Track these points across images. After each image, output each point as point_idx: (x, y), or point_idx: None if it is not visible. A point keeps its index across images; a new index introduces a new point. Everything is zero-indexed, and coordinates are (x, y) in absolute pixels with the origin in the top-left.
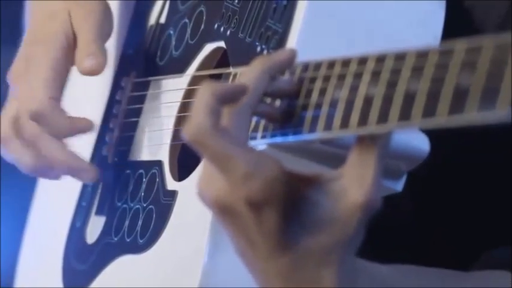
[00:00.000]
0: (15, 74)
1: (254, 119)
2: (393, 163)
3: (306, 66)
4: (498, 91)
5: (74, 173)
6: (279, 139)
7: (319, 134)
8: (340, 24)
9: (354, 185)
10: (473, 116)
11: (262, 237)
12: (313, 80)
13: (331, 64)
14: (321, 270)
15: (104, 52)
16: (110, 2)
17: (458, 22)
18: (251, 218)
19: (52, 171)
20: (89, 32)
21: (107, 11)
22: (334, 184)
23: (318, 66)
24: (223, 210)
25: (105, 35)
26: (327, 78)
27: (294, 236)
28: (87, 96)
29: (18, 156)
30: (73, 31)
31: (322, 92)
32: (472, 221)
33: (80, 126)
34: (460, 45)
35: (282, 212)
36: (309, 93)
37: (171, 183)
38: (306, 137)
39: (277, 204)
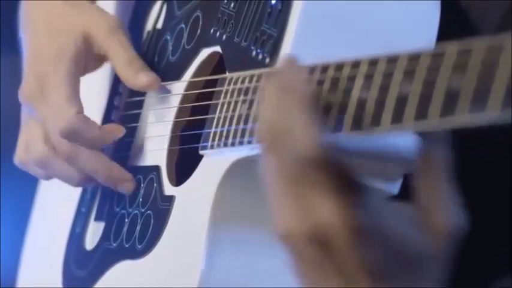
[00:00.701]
0: (28, 95)
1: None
2: (389, 166)
3: None
4: (489, 93)
5: (115, 183)
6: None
7: None
8: (335, 28)
9: (436, 214)
10: (464, 118)
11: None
12: None
13: (325, 68)
14: None
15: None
16: (106, 6)
17: (455, 23)
18: (352, 247)
19: (96, 182)
20: (126, 49)
21: (124, 25)
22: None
23: (312, 70)
24: (316, 242)
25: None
26: (320, 83)
27: (392, 270)
28: (86, 102)
29: (63, 173)
30: (87, 45)
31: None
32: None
33: (112, 134)
34: (451, 48)
35: (384, 243)
36: None
37: (168, 189)
38: None
39: (381, 234)
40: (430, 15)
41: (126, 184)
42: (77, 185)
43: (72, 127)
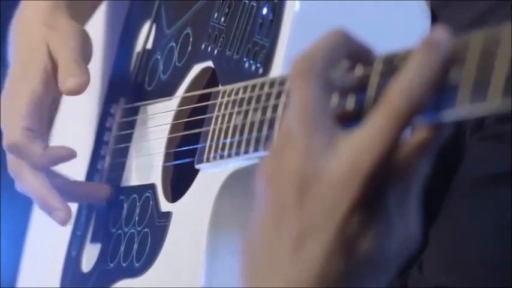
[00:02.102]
0: (2, 111)
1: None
2: None
3: None
4: (489, 82)
5: (48, 210)
6: None
7: None
8: None
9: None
10: (466, 109)
11: (322, 242)
12: None
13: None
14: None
15: (86, 71)
16: (96, 29)
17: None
18: (330, 211)
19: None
20: (69, 54)
21: (84, 35)
22: None
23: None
24: (298, 184)
25: (85, 56)
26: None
27: (361, 239)
28: (77, 125)
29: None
30: (52, 61)
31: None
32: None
33: (59, 156)
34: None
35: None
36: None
37: (164, 205)
38: None
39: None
40: (423, 25)
41: (58, 213)
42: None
43: (15, 142)
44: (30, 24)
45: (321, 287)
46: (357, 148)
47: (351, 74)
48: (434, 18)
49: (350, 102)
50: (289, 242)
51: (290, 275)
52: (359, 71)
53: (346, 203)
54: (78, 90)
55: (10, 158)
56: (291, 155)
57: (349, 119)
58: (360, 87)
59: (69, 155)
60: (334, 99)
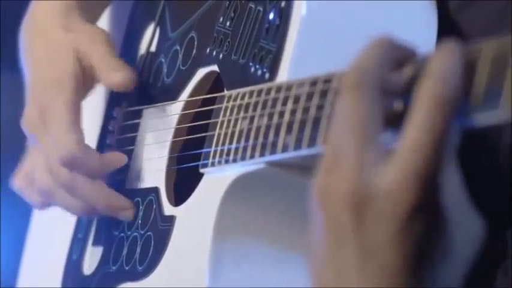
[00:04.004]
0: (30, 124)
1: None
2: None
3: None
4: (501, 91)
5: (115, 211)
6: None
7: None
8: (335, 40)
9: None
10: (476, 117)
11: (396, 252)
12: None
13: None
14: None
15: (127, 67)
16: None
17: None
18: (392, 218)
19: (96, 211)
20: (103, 51)
21: (109, 34)
22: None
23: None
24: (354, 205)
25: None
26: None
27: (429, 260)
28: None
29: (67, 203)
30: (81, 65)
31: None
32: None
33: (112, 162)
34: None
35: (429, 230)
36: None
37: (168, 209)
38: None
39: (429, 218)
40: (429, 28)
41: (126, 212)
42: (80, 214)
43: (72, 156)
44: (47, 30)
45: None
46: (406, 155)
47: (398, 75)
48: (451, 21)
49: (398, 103)
50: (354, 261)
51: None
52: (407, 72)
53: (406, 209)
54: (128, 83)
55: (58, 173)
56: (343, 172)
57: (398, 120)
58: (408, 88)
59: (122, 160)
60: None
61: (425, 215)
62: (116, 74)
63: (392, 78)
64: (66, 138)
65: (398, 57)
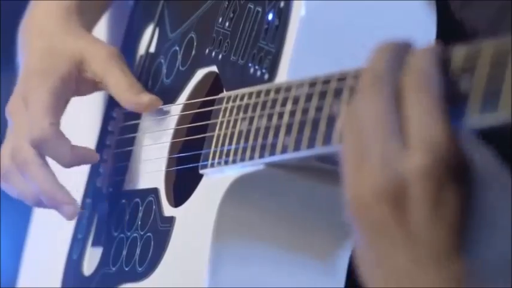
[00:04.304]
0: (12, 109)
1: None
2: None
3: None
4: (500, 92)
5: (55, 204)
6: None
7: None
8: (333, 42)
9: None
10: (476, 119)
11: (439, 233)
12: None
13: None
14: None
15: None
16: (98, 31)
17: (449, 26)
18: (427, 200)
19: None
20: (123, 73)
21: (119, 52)
22: None
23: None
24: (388, 201)
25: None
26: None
27: (475, 234)
28: (79, 128)
29: (21, 190)
30: (78, 69)
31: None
32: None
33: (83, 156)
34: (459, 51)
35: (465, 195)
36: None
37: (168, 210)
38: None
39: (458, 181)
40: (427, 28)
41: (66, 207)
42: (30, 202)
43: (43, 136)
44: (49, 32)
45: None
46: (419, 129)
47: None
48: (454, 20)
49: None
50: (407, 254)
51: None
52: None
53: (437, 185)
54: (157, 104)
55: (20, 152)
56: (372, 170)
57: None
58: None
59: (93, 157)
60: None
61: (457, 185)
62: (142, 96)
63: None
64: (41, 120)
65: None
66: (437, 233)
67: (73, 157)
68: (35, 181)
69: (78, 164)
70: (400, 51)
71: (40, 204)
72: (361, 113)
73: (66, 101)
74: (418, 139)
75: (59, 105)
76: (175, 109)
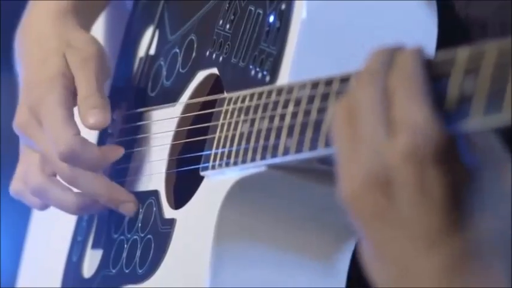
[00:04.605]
0: (23, 124)
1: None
2: None
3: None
4: (504, 93)
5: (116, 204)
6: None
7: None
8: (335, 44)
9: None
10: (479, 121)
11: (427, 213)
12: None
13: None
14: (496, 263)
15: (106, 104)
16: (97, 33)
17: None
18: (410, 183)
19: (96, 206)
20: (90, 81)
21: (103, 55)
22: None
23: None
24: (379, 187)
25: (103, 82)
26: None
27: (467, 212)
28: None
29: (61, 201)
30: (70, 72)
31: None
32: None
33: (111, 153)
34: (462, 53)
35: (450, 173)
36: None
37: (168, 212)
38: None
39: (442, 162)
40: (429, 30)
41: (127, 205)
42: (75, 212)
43: (71, 149)
44: (41, 34)
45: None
46: (402, 114)
47: None
48: (457, 20)
49: None
50: (404, 239)
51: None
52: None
53: (417, 167)
54: (100, 125)
55: (59, 169)
56: (362, 159)
57: None
58: None
59: (120, 151)
60: None
61: (442, 167)
62: (92, 113)
63: None
64: (63, 134)
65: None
66: (425, 214)
67: (103, 159)
68: (90, 190)
69: (109, 163)
70: (392, 54)
71: (82, 210)
72: (354, 105)
73: (74, 105)
74: (401, 125)
75: (72, 113)
76: (176, 111)
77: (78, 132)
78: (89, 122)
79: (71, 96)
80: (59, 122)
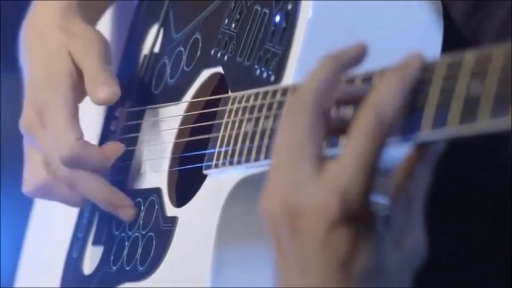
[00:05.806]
0: (28, 124)
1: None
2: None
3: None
4: (510, 97)
5: (115, 209)
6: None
7: None
8: (340, 44)
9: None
10: (485, 123)
11: (324, 267)
12: None
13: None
14: None
15: (115, 79)
16: (102, 31)
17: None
18: (318, 233)
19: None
20: (95, 62)
21: (105, 42)
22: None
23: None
24: (287, 221)
25: (110, 63)
26: None
27: (357, 257)
28: (82, 127)
29: (65, 198)
30: (76, 67)
31: None
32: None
33: (112, 153)
34: (469, 56)
35: (357, 230)
36: None
37: (170, 210)
38: None
39: (354, 233)
40: (434, 31)
41: (126, 210)
42: (78, 205)
43: (72, 154)
44: (45, 30)
45: None
46: (336, 169)
47: (351, 86)
48: (466, 23)
49: (349, 111)
50: (295, 271)
51: None
52: (358, 82)
53: (328, 224)
54: (111, 99)
55: (59, 171)
56: (279, 186)
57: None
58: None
59: (120, 148)
60: (333, 110)
61: (350, 231)
62: (102, 89)
63: (346, 88)
64: (65, 137)
65: (349, 68)
66: (323, 269)
67: (104, 160)
68: (89, 192)
69: (111, 163)
70: (340, 67)
71: (86, 202)
72: (282, 133)
73: (78, 108)
74: (331, 179)
75: (76, 115)
76: (179, 109)
77: (80, 137)
78: (99, 96)
79: (76, 96)
80: (62, 126)
